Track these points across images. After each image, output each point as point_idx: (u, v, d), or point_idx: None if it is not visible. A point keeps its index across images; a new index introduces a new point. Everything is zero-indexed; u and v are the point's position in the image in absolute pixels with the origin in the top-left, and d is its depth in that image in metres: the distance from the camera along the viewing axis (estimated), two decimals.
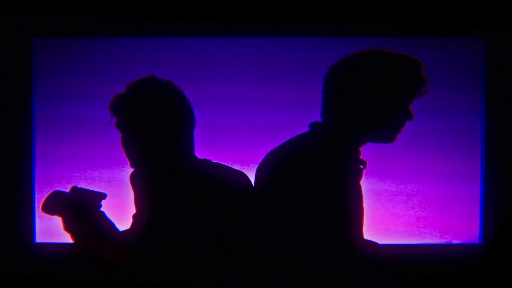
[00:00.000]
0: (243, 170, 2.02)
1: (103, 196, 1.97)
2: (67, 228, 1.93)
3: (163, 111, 1.90)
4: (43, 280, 2.48)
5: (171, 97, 1.93)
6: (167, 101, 1.92)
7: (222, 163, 2.00)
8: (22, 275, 2.67)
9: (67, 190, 1.98)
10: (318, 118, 1.94)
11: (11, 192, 2.74)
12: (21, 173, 2.75)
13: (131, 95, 1.92)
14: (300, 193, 1.79)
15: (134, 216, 2.01)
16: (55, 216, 1.96)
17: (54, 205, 1.94)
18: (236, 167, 2.04)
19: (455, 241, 2.73)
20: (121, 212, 2.09)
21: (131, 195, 2.08)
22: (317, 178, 1.78)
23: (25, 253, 2.72)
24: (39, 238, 2.75)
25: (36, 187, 2.75)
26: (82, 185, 2.02)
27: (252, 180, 1.96)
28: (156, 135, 1.90)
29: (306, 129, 1.92)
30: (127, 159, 1.98)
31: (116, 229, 1.97)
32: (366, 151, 1.94)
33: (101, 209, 1.97)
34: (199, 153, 2.03)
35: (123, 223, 2.04)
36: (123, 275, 1.99)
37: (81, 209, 1.93)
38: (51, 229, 2.61)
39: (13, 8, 2.52)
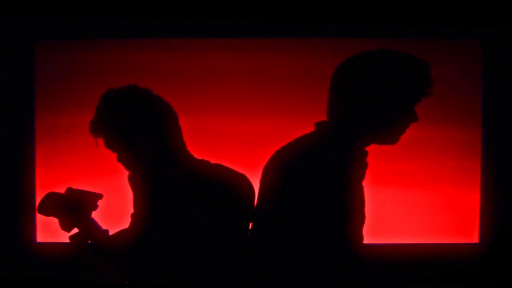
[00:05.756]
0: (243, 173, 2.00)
1: (99, 196, 1.95)
2: (63, 229, 1.92)
3: (136, 118, 1.90)
4: (43, 280, 2.48)
5: (138, 101, 1.92)
6: (135, 107, 1.92)
7: (221, 164, 1.98)
8: (22, 275, 2.67)
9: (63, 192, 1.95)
10: (321, 118, 1.92)
11: (12, 192, 2.75)
12: (22, 173, 2.75)
13: (100, 117, 1.92)
14: (306, 192, 1.78)
15: (132, 216, 2.02)
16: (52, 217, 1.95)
17: (49, 206, 1.92)
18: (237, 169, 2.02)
19: (455, 241, 2.73)
20: (121, 212, 2.09)
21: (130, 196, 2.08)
22: (323, 177, 1.77)
23: (25, 253, 2.72)
24: (40, 238, 2.75)
25: (37, 187, 2.75)
26: (82, 187, 1.99)
27: (253, 182, 1.95)
28: (141, 143, 1.90)
29: (310, 129, 1.91)
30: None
31: (104, 237, 1.95)
32: (369, 153, 1.94)
33: (96, 213, 1.95)
34: (199, 157, 2.02)
35: (123, 224, 2.04)
36: (122, 275, 1.99)
37: (76, 210, 1.91)
38: (52, 229, 2.61)
39: (16, 9, 2.52)
